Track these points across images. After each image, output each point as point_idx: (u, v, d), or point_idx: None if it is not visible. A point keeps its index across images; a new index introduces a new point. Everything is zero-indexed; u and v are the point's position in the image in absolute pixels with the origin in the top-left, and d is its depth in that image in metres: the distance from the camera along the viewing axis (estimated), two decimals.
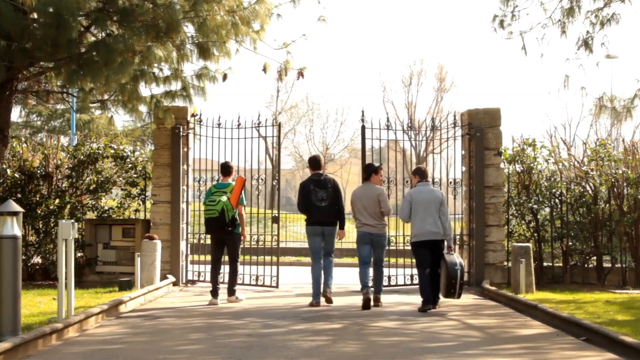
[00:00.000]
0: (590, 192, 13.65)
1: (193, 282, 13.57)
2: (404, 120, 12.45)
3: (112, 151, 14.20)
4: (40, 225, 13.62)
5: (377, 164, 11.51)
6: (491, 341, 8.25)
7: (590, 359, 7.32)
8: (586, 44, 12.29)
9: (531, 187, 13.73)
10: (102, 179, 14.00)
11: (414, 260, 11.09)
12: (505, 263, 13.20)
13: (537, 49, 26.12)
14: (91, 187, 13.99)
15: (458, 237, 13.57)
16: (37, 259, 13.71)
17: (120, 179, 14.34)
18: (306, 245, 12.29)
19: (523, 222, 14.00)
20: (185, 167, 13.64)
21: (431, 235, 10.30)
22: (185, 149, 13.62)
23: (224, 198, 10.93)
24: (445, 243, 10.41)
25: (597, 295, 11.70)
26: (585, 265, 13.63)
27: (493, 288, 12.22)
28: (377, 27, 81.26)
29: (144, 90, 11.82)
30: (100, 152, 14.07)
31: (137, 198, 14.44)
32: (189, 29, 10.92)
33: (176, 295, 12.25)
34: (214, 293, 11.15)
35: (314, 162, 11.21)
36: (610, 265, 13.64)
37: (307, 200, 10.87)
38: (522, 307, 10.55)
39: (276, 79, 41.02)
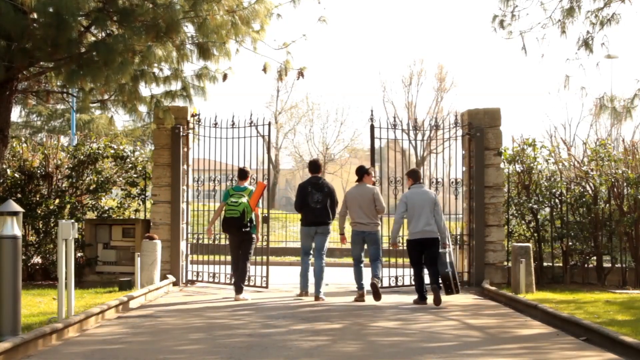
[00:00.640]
0: (590, 192, 13.65)
1: (192, 282, 13.57)
2: (410, 120, 12.42)
3: (112, 151, 14.20)
4: (40, 225, 13.62)
5: (367, 166, 12.07)
6: (491, 341, 8.25)
7: (590, 359, 7.32)
8: (586, 44, 12.28)
9: (531, 187, 13.73)
10: (102, 179, 13.99)
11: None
12: (505, 263, 13.20)
13: (537, 49, 26.20)
14: (91, 187, 13.99)
15: (458, 237, 13.57)
16: (37, 259, 13.71)
17: (120, 179, 14.34)
18: None
19: (523, 222, 14.00)
20: (185, 167, 13.64)
21: (426, 233, 10.91)
22: (185, 149, 13.62)
23: (245, 200, 11.55)
24: (441, 241, 11.01)
25: (597, 295, 11.70)
26: (585, 265, 13.63)
27: (493, 288, 12.22)
28: (377, 27, 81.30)
29: (144, 90, 11.85)
30: (100, 152, 14.07)
31: (137, 198, 14.43)
32: (189, 29, 10.93)
33: (176, 295, 12.25)
34: (239, 289, 11.67)
35: (314, 166, 11.87)
36: (610, 265, 13.63)
37: (304, 201, 11.53)
38: (522, 307, 10.55)
39: (276, 79, 41.02)
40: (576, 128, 35.34)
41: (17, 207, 7.69)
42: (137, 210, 14.36)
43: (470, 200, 13.40)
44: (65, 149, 14.41)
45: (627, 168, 13.47)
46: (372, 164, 12.91)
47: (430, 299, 10.92)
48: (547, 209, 13.82)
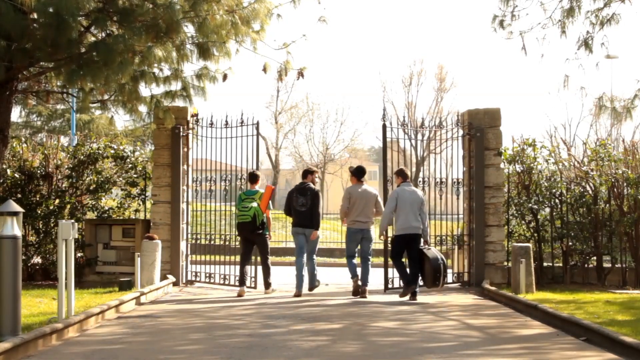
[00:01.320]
0: (590, 192, 13.65)
1: (192, 282, 13.57)
2: (410, 120, 12.45)
3: (112, 151, 14.19)
4: (40, 225, 13.62)
5: (363, 167, 12.81)
6: (491, 341, 8.25)
7: (590, 359, 7.32)
8: (586, 44, 12.28)
9: (531, 187, 13.73)
10: (102, 179, 13.99)
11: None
12: (505, 263, 13.20)
13: (537, 49, 26.18)
14: (91, 187, 13.98)
15: (458, 237, 13.58)
16: (37, 259, 13.70)
17: (120, 179, 14.34)
18: None
19: (523, 222, 13.99)
20: (185, 167, 13.64)
21: (414, 229, 11.53)
22: (185, 149, 13.62)
23: (255, 204, 12.22)
24: (422, 238, 11.67)
25: (597, 295, 11.70)
26: (585, 265, 13.62)
27: (493, 288, 12.22)
28: (377, 27, 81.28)
29: (144, 90, 11.84)
30: (100, 152, 14.06)
31: (137, 198, 14.43)
32: (189, 29, 10.93)
33: (176, 296, 12.25)
34: (242, 282, 12.34)
35: (303, 173, 12.84)
36: (610, 265, 13.63)
37: (290, 205, 12.39)
38: (522, 307, 10.56)
39: (276, 79, 41.05)
40: (576, 128, 35.32)
41: (17, 207, 7.69)
42: (137, 211, 14.36)
43: (470, 200, 13.40)
44: (65, 149, 14.41)
45: (627, 168, 13.47)
46: (384, 163, 13.29)
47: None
48: (547, 209, 13.81)
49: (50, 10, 9.42)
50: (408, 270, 11.60)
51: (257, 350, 7.52)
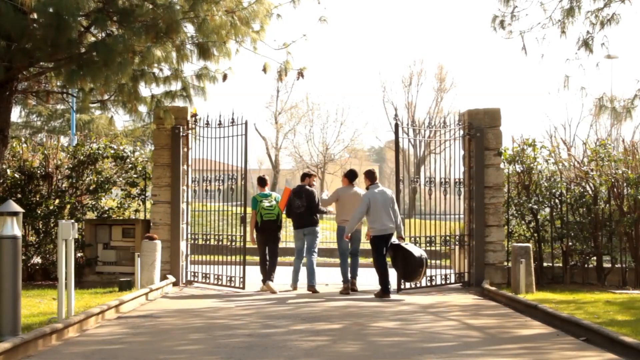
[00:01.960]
0: (590, 192, 13.64)
1: (192, 282, 13.57)
2: (418, 120, 12.49)
3: (112, 151, 14.19)
4: (40, 225, 13.62)
5: (358, 170, 13.74)
6: (491, 341, 8.25)
7: (590, 359, 7.32)
8: (586, 44, 12.28)
9: (531, 187, 13.73)
10: (102, 179, 13.99)
11: (434, 262, 12.91)
12: (505, 263, 13.20)
13: (537, 49, 26.19)
14: (91, 187, 13.98)
15: (458, 237, 13.57)
16: (37, 259, 13.70)
17: (120, 179, 14.34)
18: None
19: (523, 222, 13.99)
20: (185, 167, 13.64)
21: (390, 229, 12.00)
22: (185, 149, 13.62)
23: (274, 203, 12.90)
24: (396, 234, 12.20)
25: (597, 295, 11.70)
26: (585, 266, 13.62)
27: (493, 288, 12.22)
28: (377, 27, 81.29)
29: (144, 90, 11.84)
30: (100, 152, 14.06)
31: (137, 198, 14.43)
32: (189, 29, 10.93)
33: (176, 296, 12.25)
34: (265, 281, 12.87)
35: (301, 177, 13.45)
36: (610, 265, 13.63)
37: (290, 208, 12.94)
38: (522, 307, 10.55)
39: (276, 79, 40.95)
40: (576, 128, 35.31)
41: (17, 207, 7.69)
42: (137, 211, 14.36)
43: (470, 201, 13.40)
44: (65, 149, 14.41)
45: (627, 168, 13.47)
46: (397, 162, 13.34)
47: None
48: (547, 209, 13.81)
49: (50, 10, 9.42)
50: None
51: (257, 350, 7.52)
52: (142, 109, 12.07)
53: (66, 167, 13.97)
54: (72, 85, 11.33)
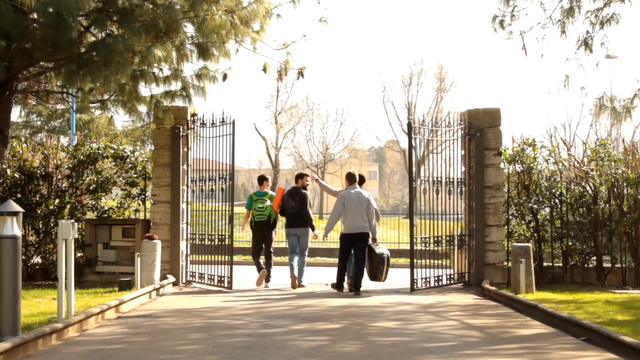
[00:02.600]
0: (590, 192, 13.64)
1: (189, 282, 13.57)
2: (433, 119, 12.48)
3: (112, 151, 14.20)
4: (40, 225, 13.62)
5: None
6: (491, 341, 8.25)
7: (590, 359, 7.32)
8: (586, 44, 12.27)
9: (531, 187, 13.73)
10: (102, 179, 13.99)
11: (437, 262, 13.14)
12: (505, 263, 13.20)
13: (537, 48, 26.15)
14: (91, 187, 13.98)
15: (458, 237, 13.57)
16: (37, 259, 13.71)
17: (120, 179, 14.34)
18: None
19: (523, 222, 13.99)
20: (185, 167, 13.65)
21: (360, 228, 12.33)
22: (185, 149, 13.63)
23: (268, 203, 13.27)
24: (371, 235, 12.43)
25: (597, 295, 11.70)
26: (585, 265, 13.62)
27: (493, 288, 12.22)
28: (377, 27, 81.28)
29: (144, 90, 11.84)
30: (100, 152, 14.07)
31: (137, 198, 14.44)
32: (189, 29, 10.92)
33: (176, 295, 12.25)
34: (260, 270, 13.30)
35: (295, 178, 13.97)
36: (610, 265, 13.63)
37: (284, 208, 13.37)
38: (522, 307, 10.55)
39: (276, 79, 41.05)
40: (576, 128, 35.42)
41: (17, 207, 7.69)
42: (137, 210, 14.36)
43: (470, 200, 13.40)
44: (65, 149, 14.41)
45: (627, 168, 13.46)
46: (410, 161, 13.61)
47: (345, 286, 12.47)
48: (547, 209, 13.81)
49: (50, 10, 9.42)
50: (352, 267, 12.43)
51: (256, 350, 7.53)
52: (142, 108, 12.08)
53: (66, 167, 13.97)
54: (72, 85, 11.33)
